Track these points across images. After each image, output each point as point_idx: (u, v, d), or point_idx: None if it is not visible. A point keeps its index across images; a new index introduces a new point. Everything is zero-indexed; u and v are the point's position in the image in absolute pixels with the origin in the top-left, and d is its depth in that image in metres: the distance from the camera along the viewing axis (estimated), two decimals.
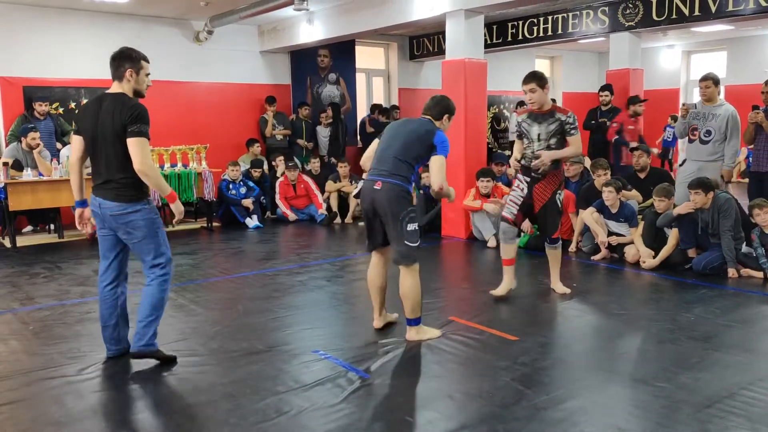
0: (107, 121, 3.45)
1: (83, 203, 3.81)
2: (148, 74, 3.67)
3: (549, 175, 4.74)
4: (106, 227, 3.65)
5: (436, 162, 3.93)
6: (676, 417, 2.96)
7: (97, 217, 3.64)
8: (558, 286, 5.17)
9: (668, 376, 3.42)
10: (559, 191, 4.79)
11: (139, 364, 3.70)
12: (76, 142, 3.65)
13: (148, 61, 3.68)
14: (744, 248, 5.77)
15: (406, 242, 3.86)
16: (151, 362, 3.73)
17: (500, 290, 5.02)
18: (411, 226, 3.87)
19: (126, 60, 3.57)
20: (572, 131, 4.66)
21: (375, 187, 3.91)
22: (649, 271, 5.79)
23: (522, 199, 4.85)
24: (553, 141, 4.72)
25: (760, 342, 4.02)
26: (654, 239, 5.99)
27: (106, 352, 3.80)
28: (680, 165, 6.95)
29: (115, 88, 3.57)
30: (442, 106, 4.09)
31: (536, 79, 4.70)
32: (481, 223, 7.18)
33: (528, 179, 4.83)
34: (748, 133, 6.20)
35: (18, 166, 7.45)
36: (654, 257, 5.88)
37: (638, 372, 3.51)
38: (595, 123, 8.89)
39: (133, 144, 3.41)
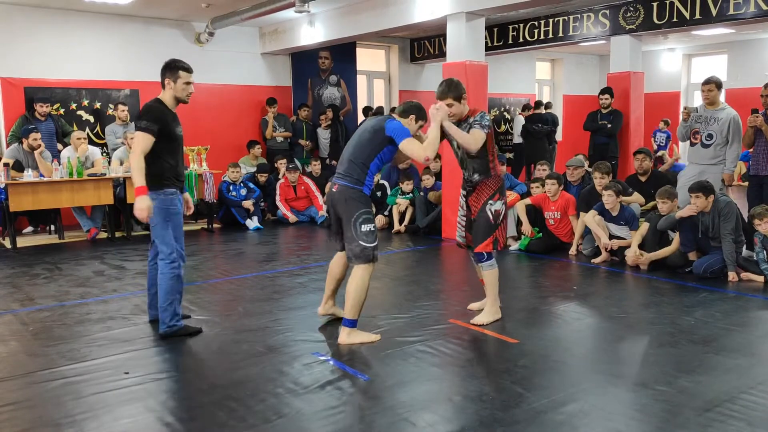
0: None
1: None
2: (188, 83, 4.06)
3: (480, 185, 4.31)
4: None
5: (405, 146, 3.92)
6: (677, 421, 2.96)
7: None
8: (481, 315, 4.43)
9: (668, 380, 3.42)
10: (491, 201, 4.27)
11: (137, 367, 3.71)
12: None
13: (190, 71, 4.08)
14: (744, 252, 5.77)
15: (360, 242, 3.93)
16: (150, 365, 3.73)
17: (479, 305, 4.71)
18: (365, 227, 3.93)
19: (166, 69, 4.05)
20: (474, 125, 4.17)
21: (333, 189, 4.06)
22: (649, 275, 5.79)
23: (465, 218, 4.47)
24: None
25: (760, 346, 4.02)
26: (658, 243, 5.99)
27: (148, 316, 4.50)
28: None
29: (160, 94, 4.10)
30: (412, 109, 4.12)
31: (451, 91, 4.20)
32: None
33: (465, 192, 4.47)
34: (747, 137, 6.21)
35: (19, 166, 7.46)
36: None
37: (638, 375, 3.51)
38: (595, 125, 8.93)
39: (135, 135, 3.98)
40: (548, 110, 11.97)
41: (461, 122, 4.28)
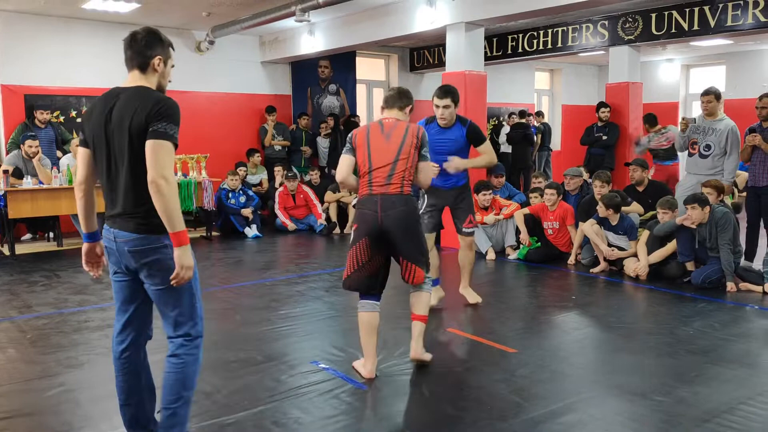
0: (123, 124, 2.50)
1: (93, 236, 2.76)
2: (173, 66, 2.83)
3: None
4: (123, 269, 2.63)
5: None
6: (675, 431, 2.95)
7: (111, 254, 2.64)
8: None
9: (667, 390, 3.41)
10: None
11: None
12: (82, 157, 2.66)
13: (174, 49, 2.84)
14: (743, 262, 5.78)
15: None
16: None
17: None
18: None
19: (157, 44, 2.70)
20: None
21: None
22: (647, 285, 5.79)
23: None
24: None
25: (759, 356, 4.02)
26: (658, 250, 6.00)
27: None
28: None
29: (134, 80, 2.67)
30: None
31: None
32: (477, 236, 7.15)
33: None
34: (745, 152, 6.24)
35: (18, 173, 7.46)
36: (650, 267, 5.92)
37: (637, 386, 3.50)
38: (591, 138, 9.10)
39: (150, 147, 2.44)
40: (539, 118, 12.25)
41: None
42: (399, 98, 3.76)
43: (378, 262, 3.62)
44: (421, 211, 4.70)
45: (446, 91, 4.55)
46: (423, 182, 3.70)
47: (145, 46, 2.67)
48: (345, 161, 3.68)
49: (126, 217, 2.54)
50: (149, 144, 2.44)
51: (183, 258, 2.48)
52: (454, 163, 4.53)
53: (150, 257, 2.53)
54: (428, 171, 3.68)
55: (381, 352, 4.04)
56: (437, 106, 4.52)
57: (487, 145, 4.73)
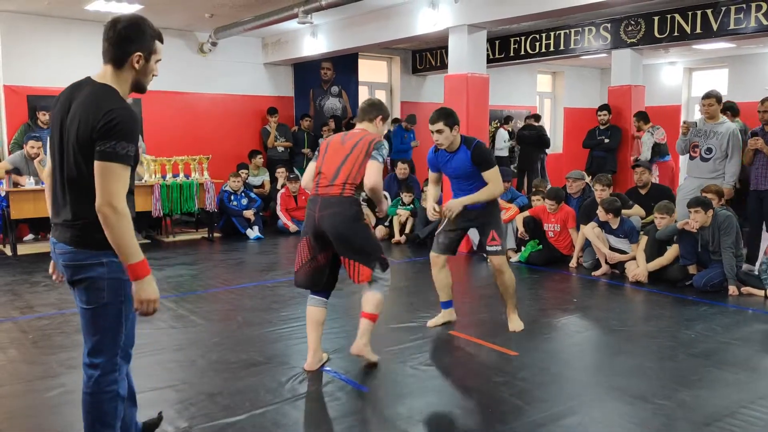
0: (71, 131, 2.27)
1: None
2: (158, 61, 2.47)
3: None
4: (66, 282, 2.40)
5: None
6: None
7: (58, 268, 2.43)
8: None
9: (668, 394, 3.41)
10: None
11: (137, 377, 3.69)
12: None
13: (162, 41, 2.47)
14: (744, 266, 5.77)
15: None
16: (149, 375, 3.72)
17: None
18: None
19: (139, 37, 2.39)
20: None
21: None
22: (649, 288, 5.79)
23: None
24: None
25: (760, 360, 4.01)
26: (657, 255, 5.99)
27: None
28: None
29: (104, 76, 2.45)
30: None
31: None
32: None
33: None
34: (747, 157, 6.24)
35: (16, 173, 7.47)
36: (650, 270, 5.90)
37: (638, 389, 3.50)
38: (594, 141, 9.10)
39: (97, 171, 2.18)
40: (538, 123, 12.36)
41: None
42: (369, 110, 3.84)
43: (321, 261, 3.70)
44: (438, 230, 4.53)
45: (439, 115, 4.20)
46: (366, 182, 3.52)
47: (124, 39, 2.35)
48: (309, 168, 3.82)
49: (65, 228, 2.30)
50: (96, 166, 2.17)
51: (141, 292, 2.22)
52: (449, 206, 4.25)
53: (82, 274, 2.28)
54: (372, 169, 3.52)
55: (381, 353, 4.04)
56: (431, 132, 4.22)
57: (492, 173, 4.21)
